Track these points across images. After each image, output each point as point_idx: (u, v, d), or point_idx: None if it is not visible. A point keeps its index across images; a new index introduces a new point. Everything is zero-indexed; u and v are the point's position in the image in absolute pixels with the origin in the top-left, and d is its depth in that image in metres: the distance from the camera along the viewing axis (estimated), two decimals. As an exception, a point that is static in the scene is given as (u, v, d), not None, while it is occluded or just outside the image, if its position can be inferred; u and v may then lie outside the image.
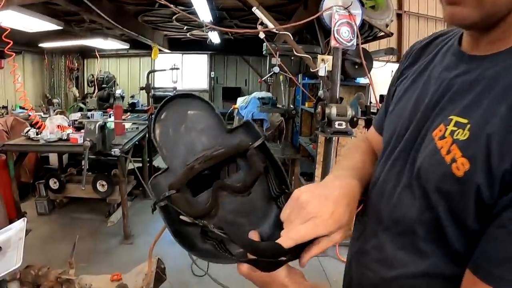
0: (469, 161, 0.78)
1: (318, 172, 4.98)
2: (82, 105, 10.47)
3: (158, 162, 8.10)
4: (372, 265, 1.03)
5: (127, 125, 6.31)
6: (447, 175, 0.82)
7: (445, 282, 0.87)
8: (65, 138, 5.06)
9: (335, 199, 0.93)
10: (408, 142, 0.99)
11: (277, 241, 0.87)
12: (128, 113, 8.02)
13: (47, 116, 6.71)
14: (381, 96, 4.70)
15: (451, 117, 0.87)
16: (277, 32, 4.32)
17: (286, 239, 0.87)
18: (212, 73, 12.87)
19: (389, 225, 0.99)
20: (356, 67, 4.65)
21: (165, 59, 11.81)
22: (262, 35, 4.26)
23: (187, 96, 1.24)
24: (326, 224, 0.89)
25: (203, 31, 9.16)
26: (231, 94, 12.14)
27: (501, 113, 0.76)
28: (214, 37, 9.72)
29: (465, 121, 0.83)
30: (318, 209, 0.90)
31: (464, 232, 0.82)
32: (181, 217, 1.00)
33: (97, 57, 11.10)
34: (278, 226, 0.98)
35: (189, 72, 13.02)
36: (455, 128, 0.84)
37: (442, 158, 0.84)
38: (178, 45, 11.70)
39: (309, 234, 0.88)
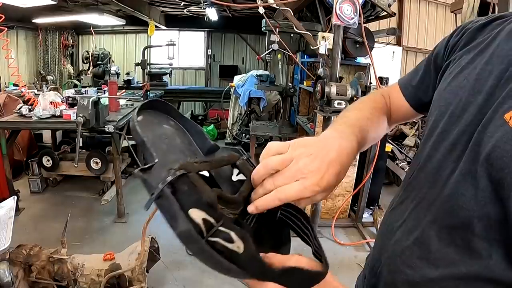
0: None
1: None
2: (76, 82, 10.34)
3: (153, 140, 8.03)
4: (412, 261, 0.90)
5: (122, 101, 6.21)
6: None
7: None
8: (58, 114, 4.95)
9: (330, 161, 0.81)
10: (470, 124, 0.85)
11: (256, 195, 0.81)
12: (124, 90, 7.92)
13: (41, 93, 6.61)
14: (380, 78, 4.61)
15: None
16: (277, 7, 4.20)
17: (274, 199, 0.78)
18: (209, 50, 12.69)
19: (439, 217, 0.86)
20: (358, 46, 4.56)
21: (161, 36, 11.61)
22: (261, 10, 4.15)
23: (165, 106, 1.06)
24: (313, 188, 0.78)
25: (201, 7, 8.99)
26: (228, 72, 11.98)
27: None
28: (212, 14, 9.55)
29: None
30: (309, 169, 0.79)
31: None
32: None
33: (92, 34, 10.91)
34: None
35: (185, 49, 12.82)
36: None
37: None
38: (175, 22, 11.53)
39: (295, 196, 0.78)
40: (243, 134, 8.39)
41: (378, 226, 4.10)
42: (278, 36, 4.60)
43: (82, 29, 11.47)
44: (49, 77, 9.37)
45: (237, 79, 8.48)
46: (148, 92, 7.45)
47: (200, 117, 11.75)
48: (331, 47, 4.00)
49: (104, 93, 6.31)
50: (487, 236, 0.75)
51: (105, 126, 4.75)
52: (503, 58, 0.86)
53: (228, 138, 9.13)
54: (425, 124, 1.10)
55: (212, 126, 10.17)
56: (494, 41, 0.93)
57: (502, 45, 0.89)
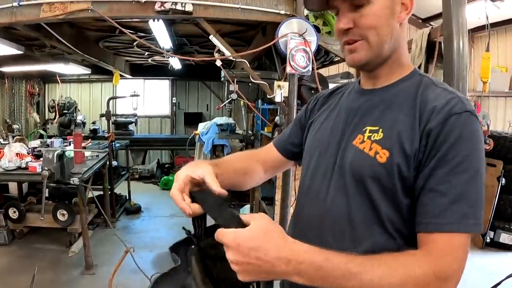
0: (388, 150, 1.16)
1: (278, 196, 5.04)
2: (42, 132, 10.34)
3: (119, 189, 8.07)
4: None
5: (87, 153, 6.28)
6: (375, 164, 1.17)
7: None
8: (24, 166, 5.01)
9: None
10: (333, 155, 1.33)
11: None
12: (89, 140, 7.96)
13: (7, 143, 6.63)
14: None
15: (365, 128, 1.26)
16: (234, 60, 4.43)
17: None
18: (174, 98, 12.88)
19: (328, 225, 1.28)
20: (312, 91, 4.78)
21: (127, 85, 11.75)
22: (219, 63, 4.36)
23: None
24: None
25: (164, 56, 9.21)
26: (193, 119, 12.16)
27: (401, 118, 1.18)
28: (175, 63, 9.78)
29: (376, 127, 1.23)
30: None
31: (396, 207, 1.16)
32: None
33: (59, 82, 10.99)
34: None
35: (151, 97, 13.00)
36: (371, 134, 1.23)
37: (367, 154, 1.20)
38: (139, 71, 11.67)
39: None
40: (209, 181, 8.45)
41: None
42: (237, 86, 4.80)
43: (48, 78, 11.48)
44: (15, 126, 9.34)
45: (201, 126, 8.63)
46: (114, 143, 7.53)
47: (166, 165, 11.82)
48: (287, 95, 4.21)
49: (70, 144, 6.38)
50: (365, 223, 1.20)
51: (71, 179, 4.82)
52: (345, 110, 1.40)
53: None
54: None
55: (178, 174, 10.24)
56: (339, 102, 1.47)
57: (343, 103, 1.44)
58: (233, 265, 0.96)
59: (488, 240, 5.99)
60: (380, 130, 1.21)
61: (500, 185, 5.81)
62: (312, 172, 1.40)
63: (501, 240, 5.98)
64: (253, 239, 0.95)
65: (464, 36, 4.16)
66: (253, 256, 0.94)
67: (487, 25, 5.07)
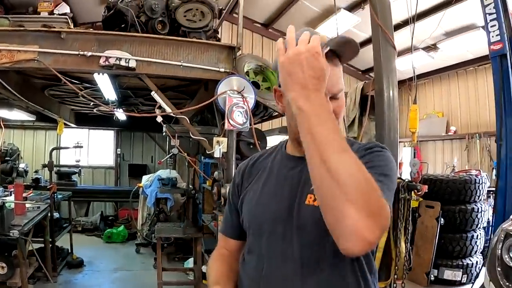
0: None
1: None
2: (-17, 180, 9.97)
3: (61, 242, 7.84)
4: None
5: (28, 204, 6.11)
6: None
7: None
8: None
9: None
10: (288, 218, 1.45)
11: None
12: (31, 190, 7.70)
13: None
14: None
15: (312, 188, 1.32)
16: (174, 116, 4.51)
17: None
18: (119, 149, 12.76)
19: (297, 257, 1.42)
20: (251, 147, 4.89)
21: (71, 134, 11.59)
22: (159, 119, 4.44)
23: None
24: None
25: (110, 107, 9.18)
26: (137, 171, 12.00)
27: None
28: (120, 114, 9.75)
29: None
30: None
31: None
32: None
33: (2, 128, 10.68)
34: None
35: (95, 147, 12.81)
36: None
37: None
38: (85, 120, 11.47)
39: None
40: (153, 235, 8.37)
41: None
42: (178, 141, 4.86)
43: (-9, 123, 11.14)
44: (-45, 174, 8.97)
45: (145, 179, 8.57)
46: (56, 194, 7.34)
47: (110, 218, 11.55)
48: (226, 150, 4.30)
49: (11, 194, 6.19)
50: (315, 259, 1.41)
51: (10, 231, 4.68)
52: (284, 177, 1.54)
53: (139, 239, 9.07)
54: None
55: (122, 227, 10.07)
56: (271, 171, 1.61)
57: (278, 171, 1.58)
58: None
59: (432, 278, 6.14)
60: None
61: (439, 225, 6.00)
62: (267, 237, 1.51)
63: (445, 277, 6.14)
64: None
65: (394, 89, 4.41)
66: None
67: (414, 77, 5.42)
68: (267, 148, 1.91)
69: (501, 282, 3.51)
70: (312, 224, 1.37)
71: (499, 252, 3.61)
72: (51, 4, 5.75)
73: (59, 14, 5.59)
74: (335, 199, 1.09)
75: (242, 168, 1.77)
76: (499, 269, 3.59)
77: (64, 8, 5.84)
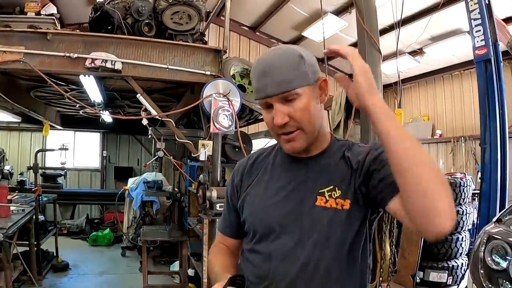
0: (350, 201, 1.45)
1: (205, 253, 5.03)
2: (-34, 182, 9.84)
3: (47, 245, 7.77)
4: None
5: (13, 206, 6.05)
6: (340, 213, 1.45)
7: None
8: None
9: None
10: (297, 220, 1.49)
11: None
12: (16, 192, 7.62)
13: None
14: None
15: (321, 191, 1.48)
16: (159, 119, 4.49)
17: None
18: (105, 152, 12.67)
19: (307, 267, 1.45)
20: (237, 150, 4.88)
21: (57, 136, 11.48)
22: (145, 122, 4.41)
23: None
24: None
25: (96, 109, 9.12)
26: (124, 173, 11.95)
27: (337, 179, 1.49)
28: (106, 116, 9.69)
29: (331, 187, 1.48)
30: None
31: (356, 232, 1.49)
32: None
33: (-13, 129, 10.59)
34: None
35: (81, 150, 12.69)
36: (330, 193, 1.47)
37: (334, 209, 1.45)
38: (70, 122, 11.35)
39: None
40: (139, 238, 8.33)
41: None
42: (163, 143, 4.85)
43: (-24, 124, 11.05)
44: None
45: (131, 182, 8.54)
46: (41, 196, 7.28)
47: (96, 221, 11.47)
48: (211, 153, 4.29)
49: (-6, 196, 6.13)
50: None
51: (-6, 234, 4.64)
52: (289, 179, 1.57)
53: (125, 242, 9.03)
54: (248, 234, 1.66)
55: (108, 230, 9.99)
56: (274, 171, 1.64)
57: (283, 173, 1.60)
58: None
59: (418, 280, 6.17)
60: (336, 188, 1.48)
61: (425, 227, 6.04)
62: (275, 238, 1.53)
63: (430, 279, 6.18)
64: None
65: (379, 93, 4.42)
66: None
67: (399, 82, 5.40)
68: (257, 149, 1.93)
69: (484, 284, 3.54)
70: (323, 225, 1.45)
71: (482, 255, 3.65)
72: (38, 4, 5.70)
73: (46, 15, 5.52)
74: (431, 182, 1.19)
75: (241, 168, 1.77)
76: (482, 271, 3.62)
77: (51, 9, 5.78)
